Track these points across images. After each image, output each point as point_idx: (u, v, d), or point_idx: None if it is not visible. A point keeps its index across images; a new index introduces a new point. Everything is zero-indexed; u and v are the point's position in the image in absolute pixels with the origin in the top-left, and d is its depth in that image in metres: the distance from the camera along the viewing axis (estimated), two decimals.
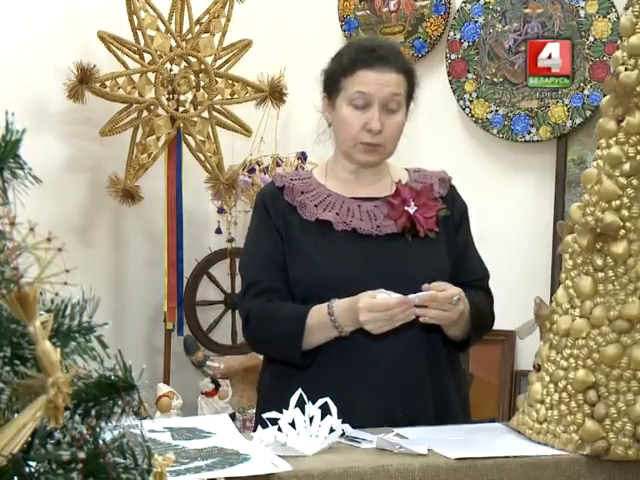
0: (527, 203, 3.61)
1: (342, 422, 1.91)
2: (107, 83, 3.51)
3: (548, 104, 3.50)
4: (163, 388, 3.64)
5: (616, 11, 3.36)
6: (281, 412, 1.88)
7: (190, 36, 3.67)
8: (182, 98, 3.69)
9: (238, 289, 3.61)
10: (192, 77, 3.69)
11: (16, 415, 0.89)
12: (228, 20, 3.70)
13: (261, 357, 2.49)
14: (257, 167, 3.86)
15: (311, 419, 1.87)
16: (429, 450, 1.85)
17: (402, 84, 2.25)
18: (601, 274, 1.90)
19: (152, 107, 3.63)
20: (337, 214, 2.26)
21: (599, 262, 1.89)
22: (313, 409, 1.89)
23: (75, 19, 3.67)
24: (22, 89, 3.47)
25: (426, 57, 3.79)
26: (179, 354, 3.84)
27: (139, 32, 3.59)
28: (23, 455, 0.90)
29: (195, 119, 3.70)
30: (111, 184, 3.63)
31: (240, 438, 1.92)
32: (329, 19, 3.98)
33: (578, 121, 3.45)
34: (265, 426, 1.90)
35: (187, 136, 3.72)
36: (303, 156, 3.83)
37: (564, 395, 1.92)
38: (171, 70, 3.66)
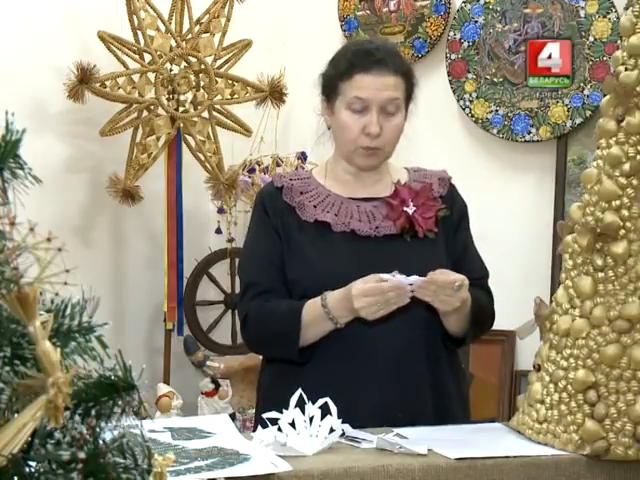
0: (527, 203, 3.61)
1: (342, 422, 1.91)
2: (107, 83, 3.52)
3: (548, 104, 3.50)
4: (163, 388, 3.64)
5: (616, 11, 3.37)
6: (281, 412, 1.88)
7: (190, 36, 3.67)
8: (182, 98, 3.69)
9: (238, 289, 3.61)
10: (192, 77, 3.69)
11: (16, 415, 0.89)
12: (228, 20, 3.70)
13: (261, 357, 2.49)
14: (257, 167, 3.86)
15: (311, 419, 1.87)
16: (429, 450, 1.85)
17: (400, 86, 2.25)
18: (601, 274, 1.90)
19: (152, 107, 3.63)
20: (336, 215, 2.26)
21: (599, 262, 1.89)
22: (313, 409, 1.89)
23: (75, 19, 3.67)
24: (22, 89, 3.47)
25: (426, 57, 3.79)
26: (179, 354, 3.84)
27: (139, 32, 3.60)
28: (23, 455, 0.90)
29: (195, 119, 3.70)
30: (111, 184, 3.64)
31: (240, 438, 1.92)
32: (329, 19, 3.99)
33: (578, 121, 3.45)
34: (265, 426, 1.90)
35: (187, 136, 3.72)
36: (303, 156, 3.83)
37: (564, 395, 1.92)
38: (171, 70, 3.66)
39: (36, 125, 3.48)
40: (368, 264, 2.20)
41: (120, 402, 0.94)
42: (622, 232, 1.88)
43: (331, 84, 2.28)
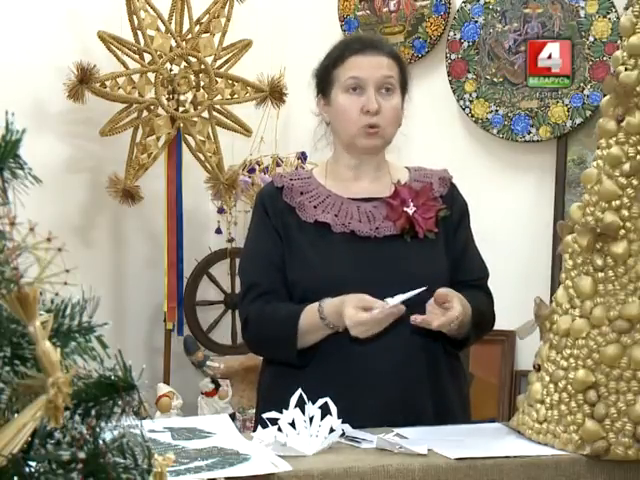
0: (527, 203, 3.61)
1: (342, 422, 1.91)
2: (107, 83, 3.52)
3: (548, 104, 3.50)
4: (163, 388, 3.64)
5: (616, 11, 3.36)
6: (281, 412, 1.88)
7: (190, 36, 3.67)
8: (182, 98, 3.69)
9: (238, 289, 3.61)
10: (192, 77, 3.69)
11: (16, 415, 0.89)
12: (228, 20, 3.70)
13: (261, 357, 2.49)
14: (257, 167, 3.86)
15: (311, 419, 1.87)
16: (429, 450, 1.85)
17: (394, 67, 2.28)
18: (601, 274, 1.89)
19: (152, 107, 3.63)
20: (336, 216, 2.25)
21: (599, 262, 1.89)
22: (313, 409, 1.88)
23: (75, 19, 3.68)
24: (22, 89, 3.47)
25: (426, 57, 3.79)
26: (179, 354, 3.84)
27: (139, 32, 3.60)
28: (23, 455, 0.90)
29: (195, 119, 3.70)
30: (111, 184, 3.64)
31: (240, 438, 1.92)
32: (329, 19, 3.98)
33: (578, 121, 3.45)
34: (265, 426, 1.90)
35: (187, 136, 3.72)
36: (303, 156, 3.83)
37: (564, 395, 1.92)
38: (171, 70, 3.66)
39: (36, 125, 3.48)
40: (368, 265, 2.20)
41: (120, 402, 0.94)
42: (622, 232, 1.88)
43: (325, 75, 2.30)
